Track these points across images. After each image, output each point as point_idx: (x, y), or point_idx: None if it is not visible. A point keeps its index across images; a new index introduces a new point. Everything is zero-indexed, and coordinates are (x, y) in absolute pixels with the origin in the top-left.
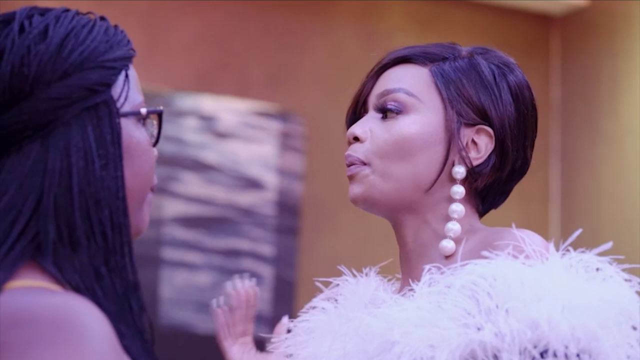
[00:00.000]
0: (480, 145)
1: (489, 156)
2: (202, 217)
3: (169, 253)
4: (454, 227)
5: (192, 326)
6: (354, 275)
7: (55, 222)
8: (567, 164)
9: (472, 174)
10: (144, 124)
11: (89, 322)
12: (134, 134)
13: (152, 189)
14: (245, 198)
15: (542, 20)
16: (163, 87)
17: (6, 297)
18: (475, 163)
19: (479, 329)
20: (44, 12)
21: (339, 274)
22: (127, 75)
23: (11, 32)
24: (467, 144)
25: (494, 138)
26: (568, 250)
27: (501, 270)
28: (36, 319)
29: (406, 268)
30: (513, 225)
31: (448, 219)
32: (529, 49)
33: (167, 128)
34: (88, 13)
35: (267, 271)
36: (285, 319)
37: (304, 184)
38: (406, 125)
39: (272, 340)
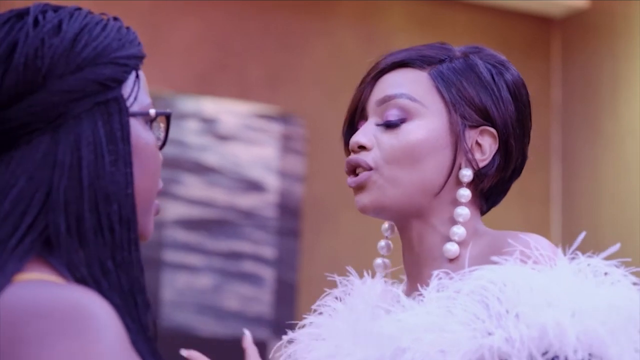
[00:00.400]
0: (485, 146)
1: (494, 157)
2: (203, 220)
3: (170, 255)
4: (458, 230)
5: (193, 328)
6: (360, 276)
7: (64, 215)
8: (568, 164)
9: (478, 176)
10: (151, 127)
11: (100, 313)
12: (141, 134)
13: (157, 193)
14: (246, 200)
15: (543, 22)
16: (164, 90)
17: (17, 290)
18: (481, 165)
19: (489, 333)
20: (57, 8)
21: (340, 275)
22: (137, 75)
23: (25, 25)
24: (471, 146)
25: (497, 138)
26: (576, 254)
27: (510, 275)
28: (49, 312)
29: (412, 271)
30: (515, 230)
31: (453, 222)
32: (529, 50)
33: None
34: (101, 14)
35: (268, 273)
36: (247, 332)
37: (304, 185)
38: (413, 132)
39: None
